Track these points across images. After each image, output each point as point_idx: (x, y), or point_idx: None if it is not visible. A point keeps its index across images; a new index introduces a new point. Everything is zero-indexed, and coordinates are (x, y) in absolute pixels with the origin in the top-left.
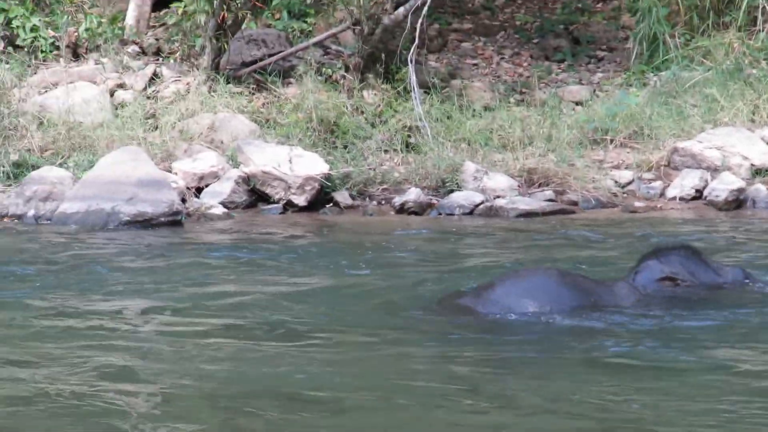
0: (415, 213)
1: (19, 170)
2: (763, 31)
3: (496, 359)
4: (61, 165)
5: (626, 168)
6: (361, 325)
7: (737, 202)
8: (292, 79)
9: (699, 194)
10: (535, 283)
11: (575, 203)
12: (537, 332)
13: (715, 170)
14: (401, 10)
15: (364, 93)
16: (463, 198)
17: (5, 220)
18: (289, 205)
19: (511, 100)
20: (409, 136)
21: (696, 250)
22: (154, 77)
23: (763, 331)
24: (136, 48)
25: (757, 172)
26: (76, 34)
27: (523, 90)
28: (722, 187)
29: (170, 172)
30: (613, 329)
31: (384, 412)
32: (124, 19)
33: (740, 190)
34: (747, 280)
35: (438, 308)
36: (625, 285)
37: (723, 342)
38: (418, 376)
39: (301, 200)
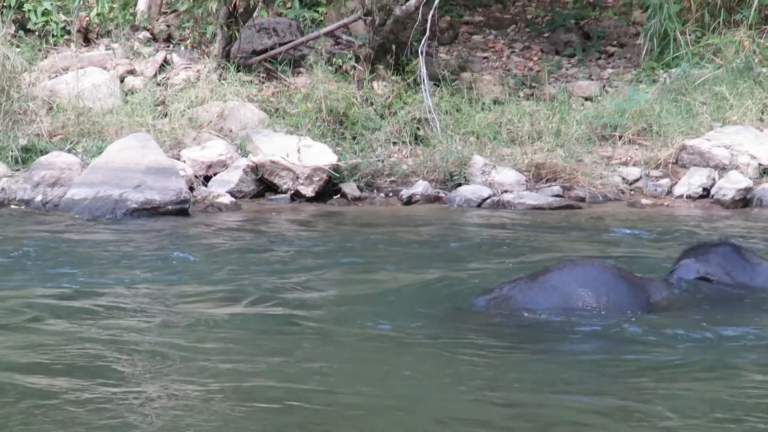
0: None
1: (28, 155)
2: None
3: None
4: (69, 151)
5: (634, 165)
6: (397, 323)
7: (744, 201)
8: (302, 69)
9: (706, 192)
10: (593, 273)
11: (582, 199)
12: (591, 327)
13: (722, 169)
14: (413, 1)
15: (374, 84)
16: (470, 192)
17: (12, 205)
18: (296, 196)
19: (521, 94)
20: (418, 128)
21: (737, 247)
22: (165, 64)
23: None
24: (147, 34)
25: (765, 171)
26: (87, 19)
27: (533, 84)
28: (729, 185)
29: (179, 159)
30: (641, 331)
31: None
32: (135, 5)
33: (747, 189)
34: None
35: (486, 298)
36: (663, 284)
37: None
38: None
39: (308, 191)
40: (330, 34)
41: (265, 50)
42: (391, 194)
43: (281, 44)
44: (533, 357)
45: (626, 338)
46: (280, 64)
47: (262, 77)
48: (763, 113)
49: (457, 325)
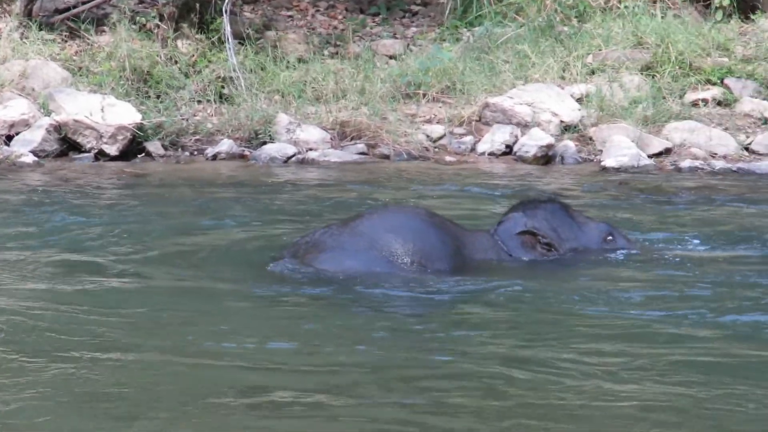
0: None
1: None
2: None
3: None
4: None
5: (438, 122)
6: (207, 281)
7: (546, 158)
8: (105, 28)
9: (509, 149)
10: (402, 220)
11: (387, 157)
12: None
13: (525, 126)
14: None
15: (178, 43)
16: (275, 150)
17: None
18: (100, 155)
19: (325, 52)
20: (222, 87)
21: (564, 205)
22: None
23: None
24: None
25: (566, 128)
26: None
27: (338, 43)
28: (532, 143)
29: None
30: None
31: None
32: None
33: (549, 146)
34: (610, 237)
35: (294, 245)
36: (485, 236)
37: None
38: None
39: (112, 150)
40: None
41: (68, 9)
42: (196, 153)
43: (84, 3)
44: (327, 310)
45: (420, 288)
46: (83, 23)
47: (65, 36)
48: (564, 71)
49: (265, 280)
